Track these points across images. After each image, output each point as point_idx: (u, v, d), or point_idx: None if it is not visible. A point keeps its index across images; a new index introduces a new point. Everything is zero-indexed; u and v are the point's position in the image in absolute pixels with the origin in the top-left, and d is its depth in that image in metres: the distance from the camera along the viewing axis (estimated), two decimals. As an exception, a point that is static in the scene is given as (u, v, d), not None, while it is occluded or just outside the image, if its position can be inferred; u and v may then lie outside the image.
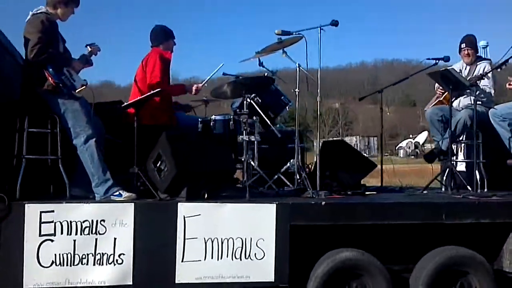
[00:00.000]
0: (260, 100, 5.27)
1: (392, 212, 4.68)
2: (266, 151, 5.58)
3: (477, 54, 6.56)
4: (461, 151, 6.89)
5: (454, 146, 6.80)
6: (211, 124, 5.32)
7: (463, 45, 6.47)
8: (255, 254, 4.46)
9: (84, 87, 4.55)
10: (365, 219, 4.63)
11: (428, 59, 6.30)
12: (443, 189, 5.98)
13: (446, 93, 6.47)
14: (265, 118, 4.95)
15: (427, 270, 4.70)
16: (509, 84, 5.59)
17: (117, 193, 4.57)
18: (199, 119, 5.45)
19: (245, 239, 4.45)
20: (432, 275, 4.68)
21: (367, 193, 5.44)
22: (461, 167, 6.85)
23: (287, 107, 5.42)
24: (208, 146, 4.74)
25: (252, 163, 5.01)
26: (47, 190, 4.92)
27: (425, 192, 5.86)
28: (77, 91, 4.51)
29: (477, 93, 6.26)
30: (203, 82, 5.52)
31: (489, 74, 6.22)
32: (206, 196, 4.55)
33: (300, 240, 4.71)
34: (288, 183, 5.28)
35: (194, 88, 5.50)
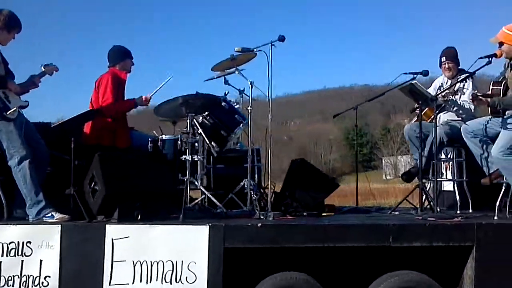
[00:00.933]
0: (211, 119, 5.18)
1: (333, 234, 4.46)
2: (223, 171, 5.45)
3: (459, 67, 6.26)
4: (449, 170, 6.61)
5: (442, 165, 6.55)
6: (159, 144, 5.25)
7: (443, 59, 6.20)
8: (186, 277, 4.32)
9: (16, 109, 4.57)
10: (304, 242, 4.43)
11: (405, 73, 6.04)
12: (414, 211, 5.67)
13: (426, 109, 6.21)
14: (205, 138, 4.82)
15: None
16: (472, 100, 5.30)
17: (49, 214, 4.55)
18: (149, 139, 5.39)
19: (176, 262, 4.33)
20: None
21: (324, 214, 5.23)
22: (449, 186, 6.56)
23: (241, 125, 5.28)
24: (146, 166, 4.66)
25: (197, 183, 4.89)
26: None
27: (395, 213, 5.60)
28: (8, 113, 4.52)
29: (455, 108, 6.01)
30: (151, 94, 5.45)
31: (470, 89, 5.93)
32: (139, 217, 4.45)
33: (238, 263, 4.56)
34: (241, 204, 5.13)
35: (143, 99, 5.44)
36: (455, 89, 5.78)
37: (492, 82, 5.52)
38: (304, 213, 5.16)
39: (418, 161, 5.99)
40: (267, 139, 5.26)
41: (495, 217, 5.07)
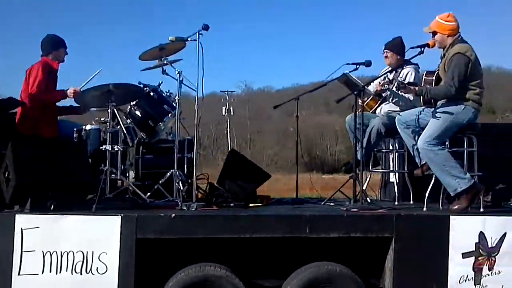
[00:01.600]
0: (139, 110, 5.15)
1: (248, 225, 4.41)
2: (153, 161, 5.40)
3: (405, 58, 6.18)
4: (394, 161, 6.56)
5: (389, 156, 6.49)
6: (83, 134, 5.19)
7: (383, 48, 6.15)
8: (97, 268, 4.28)
9: None
10: (219, 233, 4.39)
11: (348, 64, 5.95)
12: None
13: (369, 99, 6.17)
14: (123, 128, 4.76)
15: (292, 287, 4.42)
16: (398, 89, 5.23)
17: None
18: (75, 128, 5.33)
19: (87, 252, 4.28)
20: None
21: (251, 205, 5.18)
22: (392, 178, 6.52)
23: (169, 115, 5.22)
24: (62, 156, 4.60)
25: (119, 173, 4.83)
26: None
27: (331, 204, 5.55)
28: None
29: (395, 99, 5.95)
30: (81, 86, 5.38)
31: (410, 79, 5.86)
32: (52, 207, 4.40)
33: (154, 254, 4.52)
34: (167, 195, 5.08)
35: (71, 91, 5.39)
36: (390, 78, 5.72)
37: (425, 72, 5.48)
38: (231, 204, 5.11)
39: (358, 152, 5.96)
40: (197, 131, 5.23)
41: (424, 209, 5.03)
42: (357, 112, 6.04)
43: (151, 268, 4.52)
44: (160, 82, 5.52)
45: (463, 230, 4.52)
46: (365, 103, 6.25)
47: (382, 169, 6.31)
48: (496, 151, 6.36)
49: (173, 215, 4.38)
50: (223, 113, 47.53)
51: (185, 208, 4.77)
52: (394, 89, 5.52)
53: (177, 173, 5.06)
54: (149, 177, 5.28)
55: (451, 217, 4.53)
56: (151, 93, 5.26)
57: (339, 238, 4.52)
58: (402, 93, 5.86)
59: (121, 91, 4.87)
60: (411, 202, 5.78)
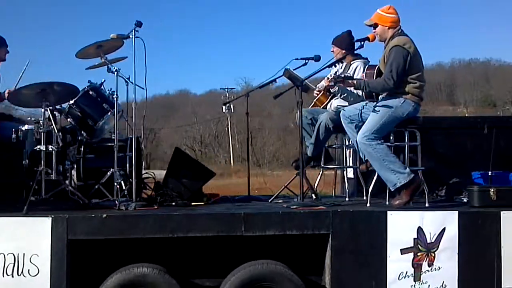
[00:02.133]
0: (77, 109, 5.11)
1: (182, 224, 4.37)
2: (95, 161, 5.33)
3: (356, 52, 6.12)
4: (350, 157, 6.52)
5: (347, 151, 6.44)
6: (19, 134, 5.11)
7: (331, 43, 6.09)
8: (28, 270, 4.23)
9: None
10: (152, 233, 4.34)
11: (297, 59, 5.89)
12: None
13: (320, 94, 6.12)
14: (55, 129, 4.67)
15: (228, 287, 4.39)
16: (334, 82, 5.17)
17: None
18: (13, 129, 5.26)
19: (18, 255, 4.23)
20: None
21: (193, 203, 5.13)
22: (350, 173, 6.49)
23: (108, 114, 5.16)
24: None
25: (54, 173, 4.74)
26: None
27: (279, 201, 5.49)
28: None
29: (343, 94, 5.90)
30: (15, 85, 5.31)
31: (359, 75, 5.80)
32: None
33: (89, 255, 4.49)
34: (108, 194, 5.02)
35: (6, 92, 5.31)
36: (339, 73, 5.66)
37: (367, 66, 5.44)
38: (173, 203, 5.07)
39: (308, 148, 5.92)
40: (143, 130, 5.17)
41: (368, 204, 4.99)
42: (309, 108, 6.16)
43: (85, 270, 4.47)
44: (103, 81, 5.47)
45: (401, 226, 4.48)
46: (316, 99, 6.22)
47: (336, 164, 6.26)
48: (452, 145, 6.36)
49: (105, 215, 4.33)
50: (224, 111, 47.38)
51: (123, 208, 4.73)
52: (333, 83, 5.44)
53: (117, 172, 4.99)
54: (92, 177, 5.21)
55: (388, 213, 4.49)
56: (90, 92, 5.20)
57: (279, 236, 4.49)
58: (351, 88, 5.81)
59: (55, 90, 4.80)
60: (364, 198, 5.73)
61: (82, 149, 5.28)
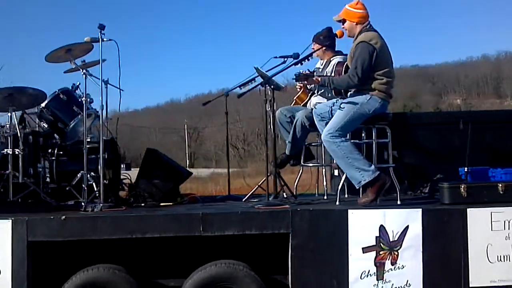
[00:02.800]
0: (49, 112, 5.19)
1: (138, 225, 4.39)
2: (68, 164, 5.39)
3: (336, 49, 6.04)
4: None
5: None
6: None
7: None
8: (-16, 272, 4.32)
9: None
10: (108, 234, 4.37)
11: (276, 57, 5.83)
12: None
13: (301, 92, 6.07)
14: (18, 130, 4.75)
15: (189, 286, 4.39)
16: (296, 80, 5.10)
17: None
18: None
19: (-25, 256, 4.32)
20: (193, 293, 4.37)
21: (162, 204, 5.15)
22: (336, 171, 6.41)
23: (79, 117, 5.23)
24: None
25: (20, 176, 4.82)
26: None
27: (254, 200, 5.43)
28: None
29: (321, 91, 5.84)
30: None
31: (330, 70, 5.69)
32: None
33: (51, 257, 4.54)
34: (78, 196, 5.08)
35: None
36: (320, 69, 5.61)
37: (337, 63, 5.36)
38: (142, 204, 5.10)
39: (287, 146, 5.87)
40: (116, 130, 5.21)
41: (337, 203, 4.91)
42: (288, 106, 6.10)
43: (47, 271, 4.53)
44: (78, 84, 5.55)
45: (363, 224, 4.40)
46: (297, 96, 6.17)
47: (317, 163, 6.19)
48: (440, 140, 6.21)
49: (63, 217, 4.38)
50: (267, 108, 47.37)
51: (89, 209, 4.77)
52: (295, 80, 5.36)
53: (87, 174, 5.04)
54: (66, 179, 5.27)
55: (349, 211, 4.42)
56: (61, 96, 5.28)
57: (244, 236, 4.47)
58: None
59: (22, 95, 4.89)
60: (346, 195, 5.65)
61: (55, 151, 5.33)
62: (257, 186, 5.56)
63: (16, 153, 4.80)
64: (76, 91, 5.62)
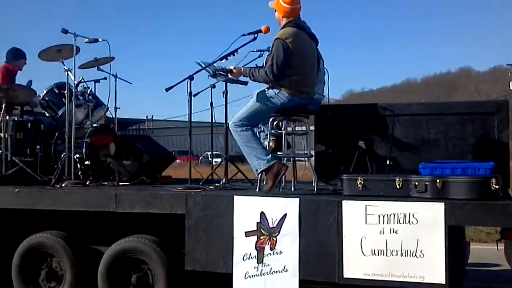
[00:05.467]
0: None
1: (68, 199, 5.24)
2: (60, 147, 6.41)
3: None
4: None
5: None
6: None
7: None
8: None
9: None
10: (46, 205, 5.30)
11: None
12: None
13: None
14: (3, 119, 5.90)
15: (104, 259, 5.15)
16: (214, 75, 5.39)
17: None
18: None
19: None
20: (108, 263, 5.14)
21: (121, 183, 5.93)
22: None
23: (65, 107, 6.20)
24: None
25: (9, 155, 6.00)
26: None
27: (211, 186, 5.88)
28: None
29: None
30: None
31: None
32: None
33: (9, 223, 5.59)
34: (64, 175, 6.05)
35: None
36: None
37: (267, 55, 5.57)
38: (105, 183, 5.95)
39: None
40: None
41: (280, 190, 5.19)
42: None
43: (10, 232, 5.58)
44: (81, 78, 6.58)
45: (246, 210, 4.73)
46: None
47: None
48: (416, 133, 6.07)
49: (16, 190, 5.41)
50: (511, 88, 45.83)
51: (57, 185, 5.75)
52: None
53: (69, 156, 6.01)
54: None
55: (235, 197, 4.77)
56: (55, 89, 6.37)
57: (159, 214, 5.06)
58: None
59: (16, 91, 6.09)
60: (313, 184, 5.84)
61: (55, 136, 6.39)
62: (211, 172, 6.09)
63: (7, 136, 5.97)
64: (81, 84, 6.68)
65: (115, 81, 6.96)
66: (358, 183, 4.71)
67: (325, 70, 6.20)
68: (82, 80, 6.69)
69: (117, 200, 5.09)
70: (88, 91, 6.60)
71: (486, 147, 5.69)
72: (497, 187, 4.29)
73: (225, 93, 5.85)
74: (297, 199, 4.63)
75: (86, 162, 6.19)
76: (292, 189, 5.39)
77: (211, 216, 4.83)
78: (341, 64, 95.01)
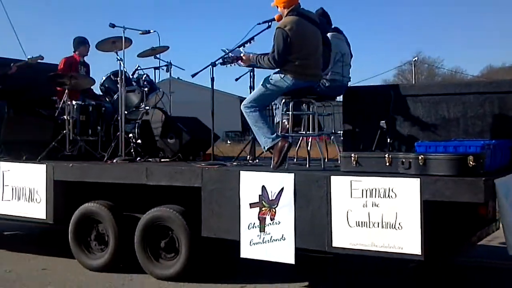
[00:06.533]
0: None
1: (110, 173, 6.06)
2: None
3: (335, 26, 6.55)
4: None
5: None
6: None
7: None
8: (35, 199, 6.52)
9: None
10: (93, 178, 6.16)
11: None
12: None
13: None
14: (67, 103, 6.81)
15: (139, 225, 5.92)
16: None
17: None
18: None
19: (31, 188, 6.55)
20: (142, 229, 5.90)
21: (162, 160, 6.69)
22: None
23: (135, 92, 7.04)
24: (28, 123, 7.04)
25: (71, 135, 6.94)
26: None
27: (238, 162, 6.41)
28: None
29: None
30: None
31: None
32: (24, 157, 6.80)
33: (70, 191, 6.51)
34: (120, 152, 6.88)
35: None
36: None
37: None
38: (150, 159, 6.72)
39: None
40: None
41: (271, 166, 5.68)
42: None
43: (68, 201, 6.51)
44: (137, 66, 7.43)
45: (250, 184, 5.25)
46: None
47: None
48: (433, 112, 6.22)
49: (71, 164, 6.31)
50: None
51: (109, 161, 6.61)
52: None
53: (121, 136, 6.84)
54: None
55: (241, 172, 5.30)
56: (111, 76, 7.22)
57: (186, 187, 5.72)
58: None
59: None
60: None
61: (114, 117, 7.27)
62: (241, 150, 6.65)
63: (69, 119, 6.91)
64: (137, 71, 7.52)
65: (170, 67, 7.69)
66: (352, 160, 5.05)
67: (351, 53, 6.55)
68: (139, 68, 7.52)
69: (148, 174, 5.82)
70: (143, 77, 7.40)
71: (503, 125, 5.77)
72: (474, 164, 4.45)
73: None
74: (292, 174, 5.07)
75: (138, 141, 7.03)
76: (307, 165, 5.82)
77: (222, 189, 5.41)
78: (480, 39, 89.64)
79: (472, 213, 4.66)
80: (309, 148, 6.13)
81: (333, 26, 6.52)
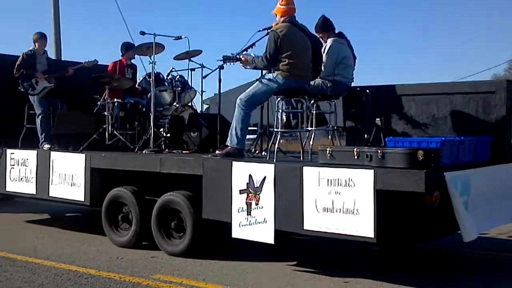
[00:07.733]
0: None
1: (134, 162, 6.97)
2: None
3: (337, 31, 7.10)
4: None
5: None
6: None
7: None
8: (76, 183, 7.56)
9: (40, 89, 8.57)
10: (120, 166, 7.09)
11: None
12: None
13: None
14: (108, 101, 7.77)
15: (155, 208, 6.77)
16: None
17: (44, 145, 8.38)
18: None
19: (73, 174, 7.59)
20: (157, 211, 6.75)
21: (183, 152, 7.50)
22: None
23: (163, 91, 7.90)
24: (81, 119, 8.07)
25: (110, 129, 7.92)
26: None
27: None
28: (33, 91, 8.53)
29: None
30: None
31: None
32: (70, 148, 7.89)
33: (105, 177, 7.48)
34: (150, 144, 7.79)
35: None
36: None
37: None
38: (174, 151, 7.55)
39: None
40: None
41: (269, 158, 6.35)
42: None
43: (102, 186, 7.47)
44: (172, 68, 8.35)
45: (239, 172, 5.95)
46: None
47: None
48: (424, 111, 6.64)
49: (103, 154, 7.28)
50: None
51: (139, 152, 7.52)
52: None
53: (151, 130, 7.73)
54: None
55: (233, 162, 6.01)
56: (147, 77, 8.16)
57: (191, 175, 6.49)
58: None
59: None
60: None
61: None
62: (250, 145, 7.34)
63: (106, 114, 7.90)
64: (171, 73, 8.42)
65: (202, 69, 8.49)
66: (327, 153, 5.61)
67: (354, 55, 7.08)
68: (173, 70, 8.41)
69: (161, 164, 6.67)
70: (177, 78, 8.26)
71: (485, 123, 6.09)
72: (423, 158, 4.90)
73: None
74: (273, 165, 5.72)
75: (168, 135, 7.91)
76: (301, 158, 6.44)
77: (218, 177, 6.15)
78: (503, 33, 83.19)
79: (421, 202, 5.07)
80: (311, 142, 6.73)
81: (336, 31, 7.07)
